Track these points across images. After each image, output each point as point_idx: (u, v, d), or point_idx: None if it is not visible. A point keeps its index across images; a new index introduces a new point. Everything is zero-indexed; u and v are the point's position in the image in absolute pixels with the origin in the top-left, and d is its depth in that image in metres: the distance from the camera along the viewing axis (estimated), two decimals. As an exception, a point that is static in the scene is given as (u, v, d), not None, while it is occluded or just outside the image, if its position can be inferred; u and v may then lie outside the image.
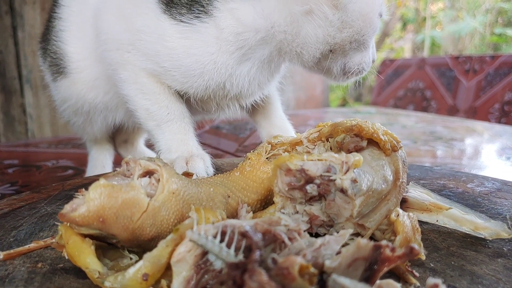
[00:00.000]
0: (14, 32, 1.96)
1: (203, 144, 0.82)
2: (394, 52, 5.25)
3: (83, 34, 0.83)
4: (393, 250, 0.33)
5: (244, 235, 0.33)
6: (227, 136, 1.58)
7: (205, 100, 0.76)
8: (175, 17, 0.68)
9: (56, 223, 0.49)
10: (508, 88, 2.16)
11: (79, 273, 0.41)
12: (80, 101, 0.87)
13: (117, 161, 1.05)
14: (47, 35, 0.91)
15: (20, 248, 0.45)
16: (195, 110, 0.81)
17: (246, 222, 0.36)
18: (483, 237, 0.46)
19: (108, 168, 1.01)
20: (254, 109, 0.91)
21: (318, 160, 0.41)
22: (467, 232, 0.47)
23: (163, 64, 0.70)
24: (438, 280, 0.31)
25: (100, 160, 1.01)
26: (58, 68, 0.87)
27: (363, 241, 0.34)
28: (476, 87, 2.32)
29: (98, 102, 0.87)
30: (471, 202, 0.58)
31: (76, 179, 0.71)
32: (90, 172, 1.00)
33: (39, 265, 0.43)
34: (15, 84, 1.97)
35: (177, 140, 0.74)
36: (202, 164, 0.69)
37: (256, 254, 0.31)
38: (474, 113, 2.28)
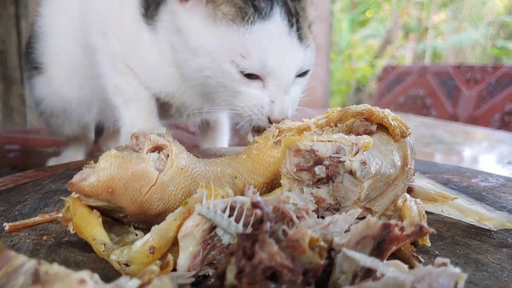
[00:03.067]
0: (17, 22, 1.95)
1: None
2: (395, 60, 5.27)
3: (59, 28, 0.86)
4: (402, 229, 0.33)
5: (255, 205, 0.33)
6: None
7: (166, 103, 0.80)
8: (147, 21, 0.72)
9: (62, 197, 0.49)
10: (508, 99, 2.16)
11: (84, 246, 0.41)
12: (55, 98, 0.90)
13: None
14: (30, 39, 0.93)
15: (26, 221, 0.45)
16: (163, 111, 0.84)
17: (255, 197, 0.36)
18: (487, 228, 0.46)
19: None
20: (203, 128, 0.97)
21: (328, 141, 0.41)
22: (472, 223, 0.48)
23: (131, 61, 0.75)
24: (446, 260, 0.31)
25: (68, 156, 1.03)
26: (35, 64, 0.90)
27: (373, 219, 0.34)
28: (477, 97, 2.33)
29: (72, 98, 0.89)
30: (476, 196, 0.58)
31: (81, 160, 0.70)
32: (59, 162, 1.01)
33: (44, 237, 0.43)
34: (16, 74, 1.97)
35: (141, 117, 0.77)
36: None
37: (267, 225, 0.31)
38: (474, 122, 2.29)
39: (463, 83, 2.44)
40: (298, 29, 0.66)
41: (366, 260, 0.30)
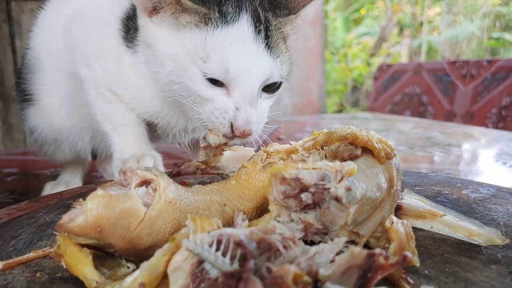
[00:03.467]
0: (12, 40, 1.96)
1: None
2: (391, 57, 5.27)
3: (47, 59, 0.87)
4: (386, 258, 0.34)
5: (239, 244, 0.34)
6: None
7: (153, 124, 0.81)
8: (128, 45, 0.72)
9: (54, 232, 0.49)
10: (505, 93, 2.16)
11: (77, 282, 0.41)
12: (47, 128, 0.92)
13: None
14: (20, 69, 0.95)
15: (19, 258, 0.45)
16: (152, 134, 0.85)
17: (241, 231, 0.36)
18: (477, 243, 0.47)
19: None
20: (193, 148, 0.97)
21: (313, 168, 0.42)
22: (461, 239, 0.48)
23: (115, 85, 0.75)
24: (432, 287, 0.32)
25: (65, 180, 1.04)
26: (26, 96, 0.91)
27: (357, 249, 0.34)
28: (473, 92, 2.33)
29: (64, 127, 0.91)
30: (466, 209, 0.58)
31: (74, 188, 0.71)
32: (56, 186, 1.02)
33: (38, 274, 0.43)
34: (13, 92, 1.98)
35: (131, 142, 0.78)
36: (152, 163, 0.72)
37: (251, 263, 0.32)
38: (471, 118, 2.29)
39: (459, 79, 2.44)
40: (266, 37, 0.65)
41: (349, 294, 0.31)
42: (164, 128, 0.80)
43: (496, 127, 2.12)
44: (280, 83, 0.69)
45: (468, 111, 2.33)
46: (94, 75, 0.75)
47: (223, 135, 0.63)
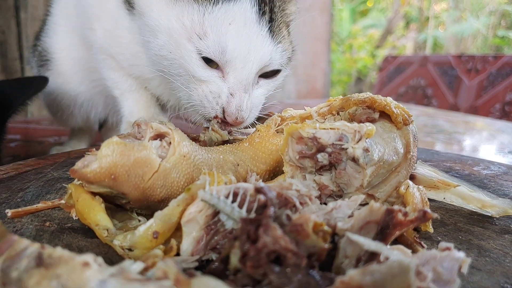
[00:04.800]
0: (16, 13, 1.94)
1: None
2: (396, 50, 5.25)
3: (64, 21, 0.86)
4: (405, 214, 0.33)
5: (259, 191, 0.33)
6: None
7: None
8: (128, 8, 0.68)
9: (64, 185, 0.49)
10: (509, 89, 2.16)
11: (87, 232, 0.41)
12: (61, 94, 0.91)
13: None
14: (39, 33, 0.94)
15: (28, 207, 0.45)
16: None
17: (258, 182, 0.36)
18: (490, 214, 0.47)
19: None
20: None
21: (331, 128, 0.41)
22: (474, 210, 0.48)
23: (114, 49, 0.73)
24: (450, 244, 0.31)
25: (71, 146, 1.03)
26: (43, 61, 0.91)
27: (376, 205, 0.34)
28: (478, 87, 2.32)
29: (79, 93, 0.90)
30: (478, 184, 0.58)
31: (82, 149, 0.70)
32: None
33: (47, 224, 0.43)
34: (16, 65, 1.96)
35: (138, 107, 0.77)
36: None
37: (271, 210, 0.31)
38: (475, 112, 2.28)
39: (464, 73, 2.43)
40: (270, 20, 0.61)
41: (370, 244, 0.30)
42: (161, 100, 0.78)
43: (499, 122, 2.12)
44: (279, 70, 0.66)
45: (472, 105, 2.32)
46: (96, 39, 0.74)
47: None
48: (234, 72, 0.60)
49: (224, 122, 0.60)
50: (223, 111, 0.61)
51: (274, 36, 0.61)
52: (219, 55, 0.58)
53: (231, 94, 0.60)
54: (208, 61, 0.60)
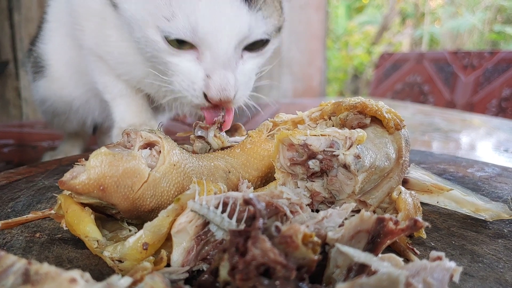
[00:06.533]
0: (10, 15, 1.93)
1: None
2: (392, 47, 5.25)
3: (58, 25, 0.85)
4: (396, 223, 0.33)
5: (247, 202, 0.33)
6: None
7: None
8: (113, 4, 0.65)
9: (54, 194, 0.48)
10: (506, 84, 2.16)
11: (77, 243, 0.41)
12: (57, 101, 0.90)
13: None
14: (34, 39, 0.93)
15: (18, 218, 0.44)
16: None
17: (248, 192, 0.36)
18: (483, 218, 0.46)
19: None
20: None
21: (321, 135, 0.41)
22: (468, 214, 0.47)
23: (101, 49, 0.71)
24: (441, 253, 0.31)
25: (64, 151, 1.02)
26: (38, 68, 0.89)
27: (367, 214, 0.33)
28: (474, 83, 2.32)
29: (72, 99, 0.89)
30: (472, 186, 0.58)
31: (74, 155, 0.70)
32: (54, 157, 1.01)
33: (37, 235, 0.42)
34: (10, 67, 1.95)
35: (130, 112, 0.76)
36: None
37: (260, 222, 0.31)
38: (472, 109, 2.28)
39: (460, 69, 2.43)
40: None
41: (360, 255, 0.30)
42: (157, 98, 0.76)
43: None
44: (267, 40, 0.61)
45: (468, 101, 2.32)
46: (85, 39, 0.72)
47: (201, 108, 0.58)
48: (210, 50, 0.56)
49: (219, 128, 0.59)
50: (205, 96, 0.58)
51: (251, 3, 0.56)
52: (190, 34, 0.55)
53: (207, 76, 0.57)
54: (183, 44, 0.57)
